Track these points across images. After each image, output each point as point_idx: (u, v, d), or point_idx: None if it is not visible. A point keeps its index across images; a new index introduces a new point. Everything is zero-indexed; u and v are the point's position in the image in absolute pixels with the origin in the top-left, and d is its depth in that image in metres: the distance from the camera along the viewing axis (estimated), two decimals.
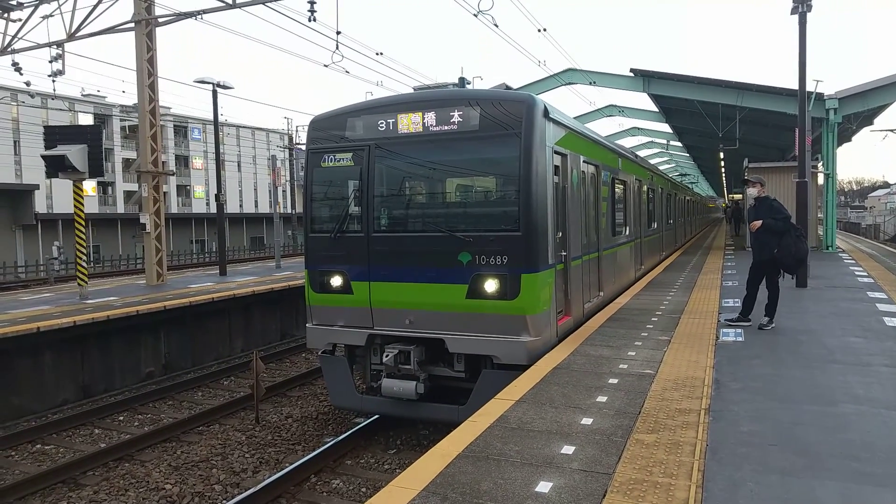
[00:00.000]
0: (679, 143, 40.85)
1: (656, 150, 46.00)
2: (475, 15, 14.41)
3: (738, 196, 43.68)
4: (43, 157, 13.01)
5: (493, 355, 7.11)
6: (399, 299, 7.52)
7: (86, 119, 56.42)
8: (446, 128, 7.34)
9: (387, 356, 7.39)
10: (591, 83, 25.61)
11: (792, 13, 12.79)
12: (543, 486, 3.71)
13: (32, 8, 16.91)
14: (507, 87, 9.39)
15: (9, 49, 17.56)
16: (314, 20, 14.00)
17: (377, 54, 17.91)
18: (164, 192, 17.67)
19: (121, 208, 59.75)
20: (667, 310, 9.64)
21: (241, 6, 14.79)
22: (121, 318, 11.40)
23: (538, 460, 4.10)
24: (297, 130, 49.49)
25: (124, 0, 17.15)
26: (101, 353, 11.20)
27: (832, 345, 7.20)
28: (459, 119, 7.28)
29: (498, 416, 4.96)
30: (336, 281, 7.90)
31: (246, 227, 58.04)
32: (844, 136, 24.90)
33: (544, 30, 18.86)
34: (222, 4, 14.96)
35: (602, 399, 5.32)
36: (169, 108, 58.47)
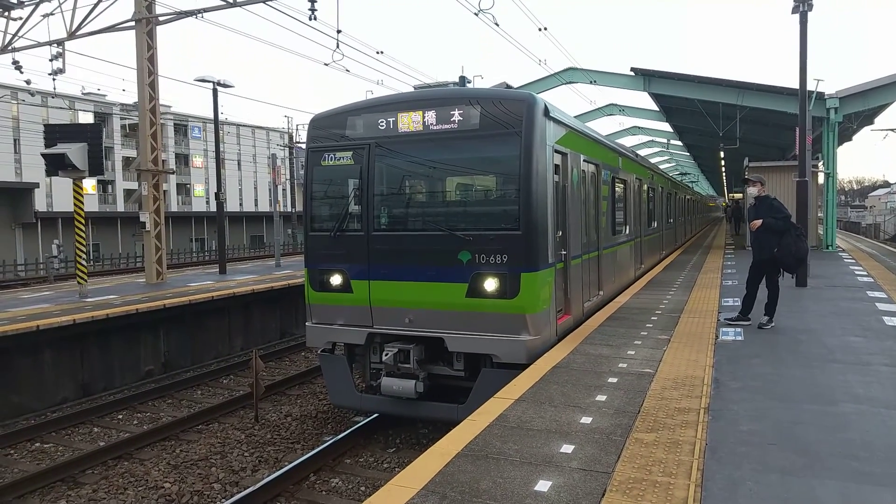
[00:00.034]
0: (679, 142, 40.82)
1: (657, 149, 45.98)
2: (476, 14, 14.40)
3: (739, 195, 43.66)
4: (43, 155, 13.01)
5: (493, 354, 7.11)
6: (399, 298, 7.51)
7: (86, 117, 56.46)
8: (446, 127, 7.34)
9: (386, 355, 7.38)
10: (591, 82, 25.59)
11: (793, 12, 12.79)
12: (543, 485, 3.71)
13: (33, 6, 16.89)
14: (508, 86, 9.40)
15: (9, 47, 17.54)
16: (315, 19, 13.99)
17: (378, 53, 17.90)
18: (164, 191, 17.67)
19: (121, 207, 59.77)
20: (666, 309, 9.63)
21: (241, 5, 14.77)
22: (120, 317, 11.39)
23: (537, 459, 4.09)
24: (297, 129, 49.55)
25: None
26: (101, 352, 11.19)
27: (832, 344, 7.20)
28: (460, 118, 7.27)
29: (497, 414, 4.96)
30: (336, 279, 7.89)
31: (246, 226, 58.03)
32: (845, 136, 24.89)
33: (545, 29, 18.85)
34: (223, 3, 14.95)
35: (601, 398, 5.31)
36: (169, 107, 58.47)
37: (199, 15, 15.08)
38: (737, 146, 27.33)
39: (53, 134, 13.20)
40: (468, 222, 7.44)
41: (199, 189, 70.94)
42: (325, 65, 16.29)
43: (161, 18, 15.89)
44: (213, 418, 9.42)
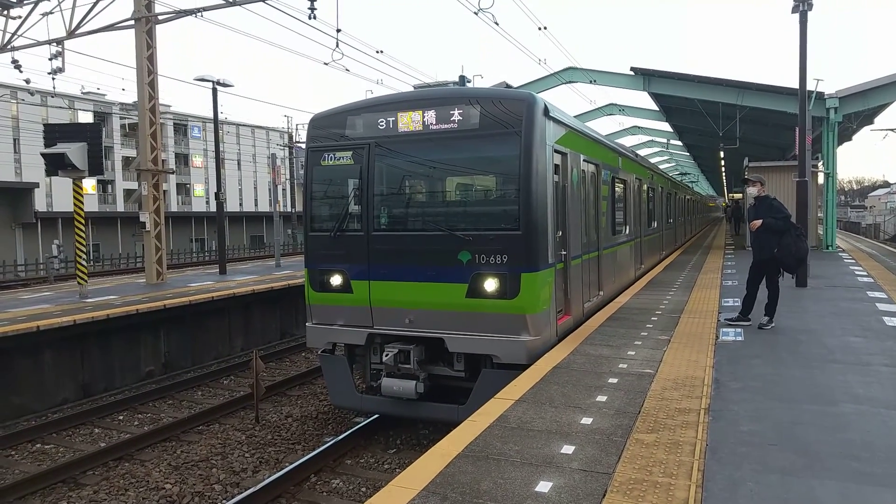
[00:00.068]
0: (679, 142, 40.82)
1: (657, 149, 45.98)
2: (475, 13, 14.41)
3: (739, 195, 43.66)
4: (43, 155, 13.01)
5: (493, 354, 7.11)
6: (399, 298, 7.51)
7: (85, 117, 56.46)
8: (446, 126, 7.34)
9: (386, 355, 7.38)
10: (591, 82, 25.58)
11: (793, 12, 12.79)
12: (543, 486, 3.71)
13: (32, 5, 16.88)
14: (508, 86, 9.39)
15: (8, 46, 17.54)
16: (314, 18, 13.98)
17: (377, 52, 17.90)
18: (164, 191, 17.67)
19: (121, 207, 59.77)
20: (667, 309, 9.63)
21: (240, 4, 14.77)
22: (121, 317, 11.39)
23: (538, 460, 4.10)
24: (296, 129, 49.57)
25: None
26: (101, 352, 11.19)
27: (832, 344, 7.20)
28: (459, 117, 7.27)
29: (498, 415, 4.96)
30: (336, 280, 7.89)
31: (246, 226, 58.03)
32: (845, 136, 24.89)
33: (545, 28, 18.84)
34: (222, 2, 14.95)
35: (602, 398, 5.32)
36: (169, 106, 58.49)
37: (199, 14, 15.08)
38: (737, 146, 27.33)
39: (53, 133, 13.19)
40: (468, 222, 7.44)
41: (198, 189, 70.94)
42: (325, 64, 16.30)
43: (160, 17, 15.89)
44: (214, 419, 9.42)
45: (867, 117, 22.22)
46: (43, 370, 10.28)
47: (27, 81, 20.22)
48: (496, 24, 15.64)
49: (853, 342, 7.29)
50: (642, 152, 32.64)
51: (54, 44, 17.07)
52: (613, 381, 5.84)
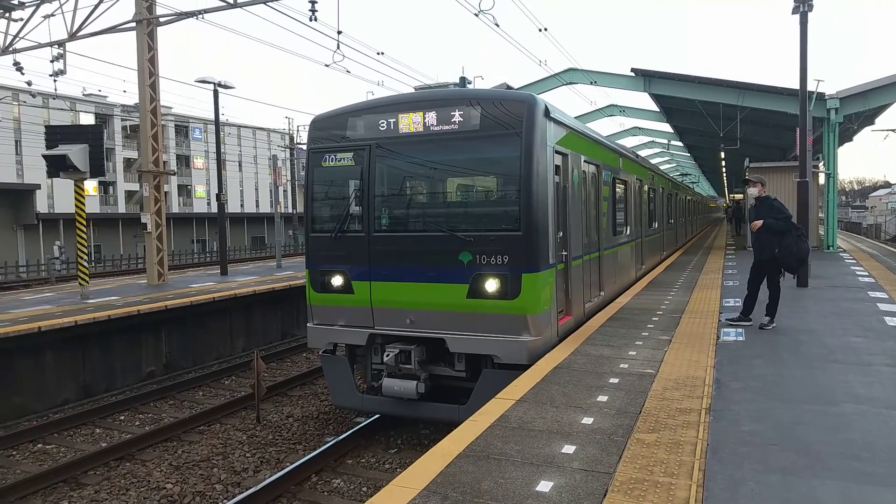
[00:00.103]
0: (680, 143, 40.81)
1: (657, 150, 45.97)
2: (476, 14, 14.41)
3: (739, 196, 43.65)
4: (44, 156, 13.03)
5: (494, 355, 7.11)
6: (400, 299, 7.52)
7: (87, 119, 56.49)
8: (447, 127, 7.34)
9: (387, 356, 7.39)
10: (592, 83, 25.60)
11: (793, 13, 12.79)
12: (544, 486, 3.71)
13: (34, 7, 16.93)
14: (508, 87, 9.38)
15: (10, 49, 17.59)
16: (315, 20, 14.01)
17: (378, 54, 17.93)
18: (166, 192, 17.69)
19: (122, 208, 59.85)
20: (667, 309, 9.63)
21: (241, 6, 14.80)
22: (122, 318, 11.41)
23: (539, 460, 4.10)
24: (297, 130, 49.49)
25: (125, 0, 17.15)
26: (103, 353, 11.21)
27: (833, 344, 7.20)
28: (460, 119, 7.28)
29: (498, 415, 4.97)
30: (337, 280, 7.90)
31: (247, 227, 58.06)
32: (845, 136, 24.88)
33: (545, 29, 18.86)
34: (223, 4, 14.97)
35: (603, 398, 5.32)
36: (170, 108, 58.48)
37: (200, 16, 15.10)
38: (737, 147, 27.32)
39: (55, 135, 13.22)
40: (469, 223, 7.44)
41: (200, 190, 70.98)
42: (326, 66, 16.35)
43: (162, 19, 15.92)
44: (215, 419, 9.43)
45: (868, 118, 22.21)
46: (44, 371, 10.30)
47: (29, 83, 20.26)
48: (497, 25, 15.65)
49: (854, 342, 7.28)
50: (643, 153, 32.62)
51: (56, 46, 17.11)
52: (614, 381, 5.84)
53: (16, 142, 52.86)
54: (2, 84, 45.71)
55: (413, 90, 8.78)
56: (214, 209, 21.85)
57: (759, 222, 7.93)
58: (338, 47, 14.99)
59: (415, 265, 7.44)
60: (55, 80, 18.21)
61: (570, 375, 6.05)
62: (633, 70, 23.78)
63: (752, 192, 8.39)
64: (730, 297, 10.59)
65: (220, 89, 20.51)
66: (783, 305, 8.39)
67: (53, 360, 10.43)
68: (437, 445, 4.41)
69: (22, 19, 17.26)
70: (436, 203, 7.95)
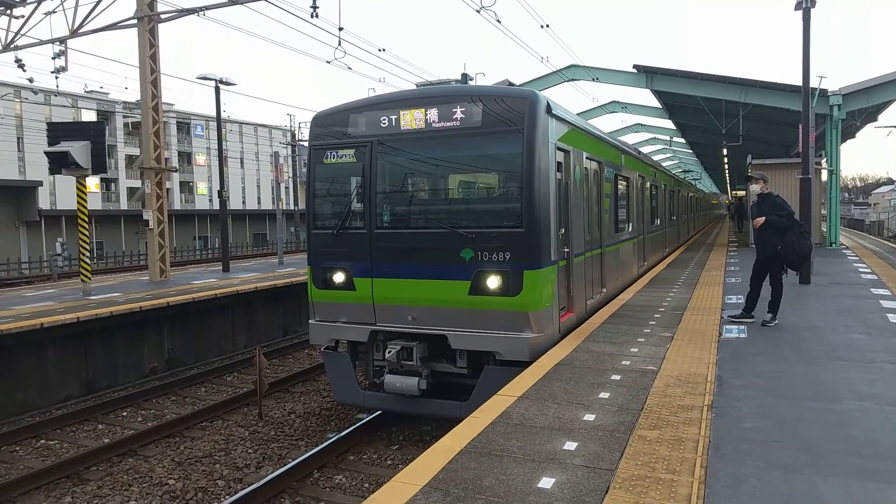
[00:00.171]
0: (682, 140, 40.73)
1: (659, 147, 45.89)
2: (478, 11, 14.39)
3: (742, 193, 43.56)
4: (46, 153, 13.03)
5: (496, 351, 7.11)
6: (401, 295, 7.52)
7: (89, 115, 56.53)
8: (449, 124, 7.33)
9: (389, 352, 7.39)
10: (594, 79, 25.53)
11: (796, 9, 12.76)
12: (546, 482, 3.71)
13: (35, 4, 16.92)
14: (510, 84, 9.35)
15: (12, 45, 17.57)
16: (316, 17, 13.98)
17: (380, 51, 17.92)
18: (168, 189, 17.71)
19: (124, 205, 59.93)
20: (670, 306, 9.63)
21: (243, 2, 14.78)
22: (124, 314, 11.42)
23: (540, 456, 4.10)
24: (299, 127, 49.47)
25: None
26: (105, 349, 11.23)
27: (835, 341, 7.19)
28: (462, 115, 7.26)
29: (500, 412, 4.97)
30: (339, 277, 7.90)
31: (249, 224, 58.13)
32: (848, 133, 24.80)
33: (547, 26, 18.82)
34: (225, 0, 14.95)
35: (604, 395, 5.32)
36: (172, 105, 58.50)
37: (201, 13, 15.09)
38: (740, 143, 27.26)
39: (56, 132, 13.23)
40: (471, 220, 7.43)
41: (202, 187, 71.03)
42: (328, 62, 16.29)
43: (163, 16, 15.90)
44: (217, 415, 9.44)
45: (871, 114, 22.14)
46: (47, 367, 10.32)
47: (30, 80, 20.24)
48: (498, 21, 15.62)
49: (857, 339, 7.27)
50: (645, 150, 32.58)
51: (57, 43, 17.10)
52: (616, 377, 5.84)
53: (18, 139, 52.93)
54: (4, 81, 45.74)
55: (415, 87, 8.76)
56: (216, 206, 21.86)
57: (762, 219, 7.91)
58: (339, 44, 14.97)
59: (416, 262, 7.44)
60: (57, 77, 18.19)
61: (572, 372, 6.05)
62: (635, 66, 23.72)
63: (755, 188, 8.36)
64: (732, 294, 10.58)
65: (221, 86, 20.49)
66: (785, 302, 8.38)
67: (56, 356, 10.46)
68: (439, 442, 4.41)
69: (23, 16, 17.26)
70: (437, 200, 7.94)
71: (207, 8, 15.05)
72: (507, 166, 7.32)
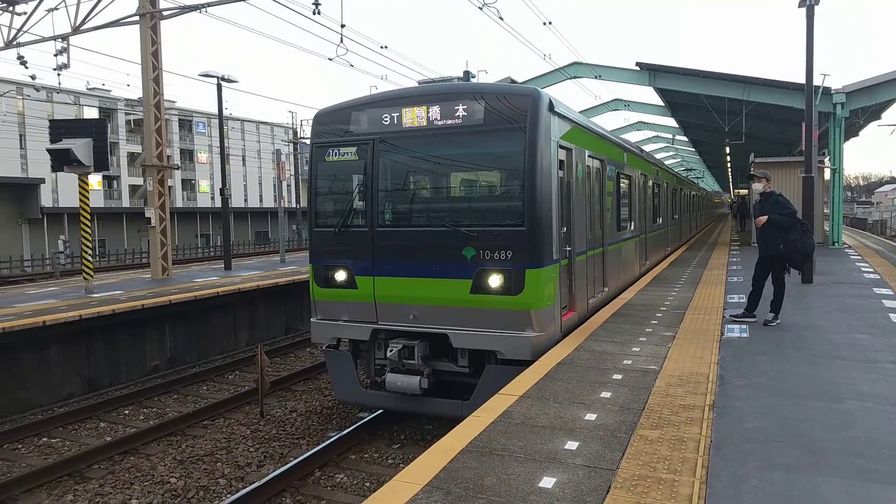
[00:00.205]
0: (685, 138, 40.67)
1: (662, 145, 45.82)
2: (480, 8, 14.37)
3: (744, 191, 43.50)
4: (48, 150, 13.04)
5: (497, 350, 7.10)
6: (403, 294, 7.52)
7: (91, 113, 56.56)
8: (451, 122, 7.32)
9: (391, 351, 7.39)
10: (596, 77, 25.49)
11: (799, 6, 12.71)
12: (547, 482, 3.71)
13: (37, 1, 16.91)
14: (513, 81, 9.33)
15: (14, 42, 17.58)
16: (318, 13, 13.97)
17: (382, 48, 17.89)
18: (169, 187, 17.71)
19: (126, 202, 59.99)
20: (671, 305, 9.61)
21: None
22: (126, 312, 11.43)
23: (542, 456, 4.09)
24: (301, 124, 49.51)
25: None
26: (107, 347, 11.24)
27: (838, 341, 7.17)
28: (464, 113, 7.25)
29: (501, 411, 4.96)
30: (340, 275, 7.90)
31: (250, 222, 58.15)
32: (851, 131, 24.75)
33: (550, 23, 18.79)
34: None
35: (606, 395, 5.31)
36: (174, 102, 58.58)
37: (203, 9, 15.08)
38: (742, 142, 27.22)
39: (59, 129, 13.23)
40: (472, 218, 7.42)
41: (203, 185, 71.10)
42: (330, 59, 16.28)
43: (165, 13, 15.88)
44: (219, 414, 9.45)
45: (874, 113, 22.09)
46: (49, 365, 10.34)
47: (33, 77, 20.25)
48: (501, 18, 15.60)
49: (859, 339, 7.26)
50: (647, 148, 32.53)
51: (59, 40, 17.09)
52: (618, 377, 5.83)
53: (20, 136, 53.02)
54: (6, 78, 45.81)
55: (417, 84, 8.75)
56: (218, 204, 21.87)
57: (764, 218, 7.89)
58: (341, 41, 14.95)
59: (418, 260, 7.43)
60: (59, 74, 18.19)
61: (574, 371, 6.04)
62: (637, 64, 23.68)
63: (757, 187, 8.34)
64: (734, 294, 10.56)
65: (223, 83, 20.50)
66: (787, 302, 8.36)
67: (58, 354, 10.47)
68: (440, 441, 4.41)
69: (26, 13, 17.26)
70: (439, 198, 7.93)
71: (209, 5, 15.04)
72: (509, 164, 7.30)
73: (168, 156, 16.97)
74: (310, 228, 8.37)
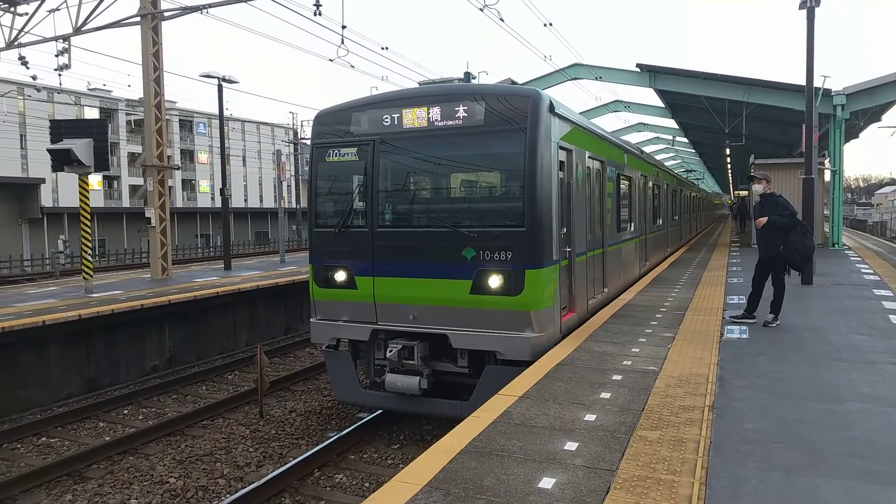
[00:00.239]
0: (685, 139, 40.69)
1: (662, 146, 45.85)
2: (481, 9, 14.38)
3: (744, 192, 43.51)
4: (49, 151, 13.04)
5: (497, 351, 7.10)
6: (403, 294, 7.51)
7: (91, 113, 56.57)
8: (451, 123, 7.32)
9: (390, 351, 7.39)
10: (597, 78, 25.50)
11: (800, 8, 12.72)
12: (546, 482, 3.71)
13: (39, 2, 16.93)
14: (513, 82, 9.33)
15: (15, 43, 17.59)
16: (319, 14, 13.97)
17: (382, 49, 17.89)
18: (170, 187, 17.71)
19: (126, 202, 60.00)
20: (671, 306, 9.61)
21: (246, 0, 14.77)
22: (126, 312, 11.43)
23: (541, 456, 4.09)
24: (301, 125, 49.53)
25: None
26: (107, 347, 11.24)
27: (837, 342, 7.17)
28: (464, 114, 7.25)
29: (501, 411, 4.96)
30: (340, 276, 7.90)
31: (250, 222, 58.17)
32: (852, 133, 24.76)
33: (550, 24, 18.79)
34: None
35: (605, 395, 5.31)
36: (175, 103, 58.59)
37: (205, 10, 15.09)
38: (743, 143, 27.23)
39: (59, 129, 13.23)
40: (472, 219, 7.42)
41: (204, 185, 71.10)
42: (330, 60, 16.28)
43: (166, 14, 15.90)
44: (218, 414, 9.45)
45: (874, 114, 22.09)
46: (48, 364, 10.33)
47: (34, 78, 20.25)
48: (501, 20, 15.61)
49: (859, 340, 7.25)
50: (648, 149, 32.52)
51: (61, 40, 17.10)
52: (617, 378, 5.83)
53: (21, 136, 53.04)
54: (7, 78, 45.81)
55: (417, 85, 8.75)
56: (218, 204, 21.88)
57: (764, 219, 7.89)
58: (342, 42, 14.95)
59: (418, 261, 7.43)
60: (60, 75, 18.20)
61: (573, 372, 6.04)
62: (638, 65, 23.69)
63: (758, 188, 8.34)
64: (734, 295, 10.56)
65: (224, 84, 20.50)
66: (787, 303, 8.36)
67: (57, 353, 10.47)
68: (440, 441, 4.41)
69: (27, 14, 17.28)
70: (439, 199, 7.93)
71: (211, 6, 15.06)
72: (509, 165, 7.31)
73: (168, 156, 16.97)
74: (310, 229, 8.37)
